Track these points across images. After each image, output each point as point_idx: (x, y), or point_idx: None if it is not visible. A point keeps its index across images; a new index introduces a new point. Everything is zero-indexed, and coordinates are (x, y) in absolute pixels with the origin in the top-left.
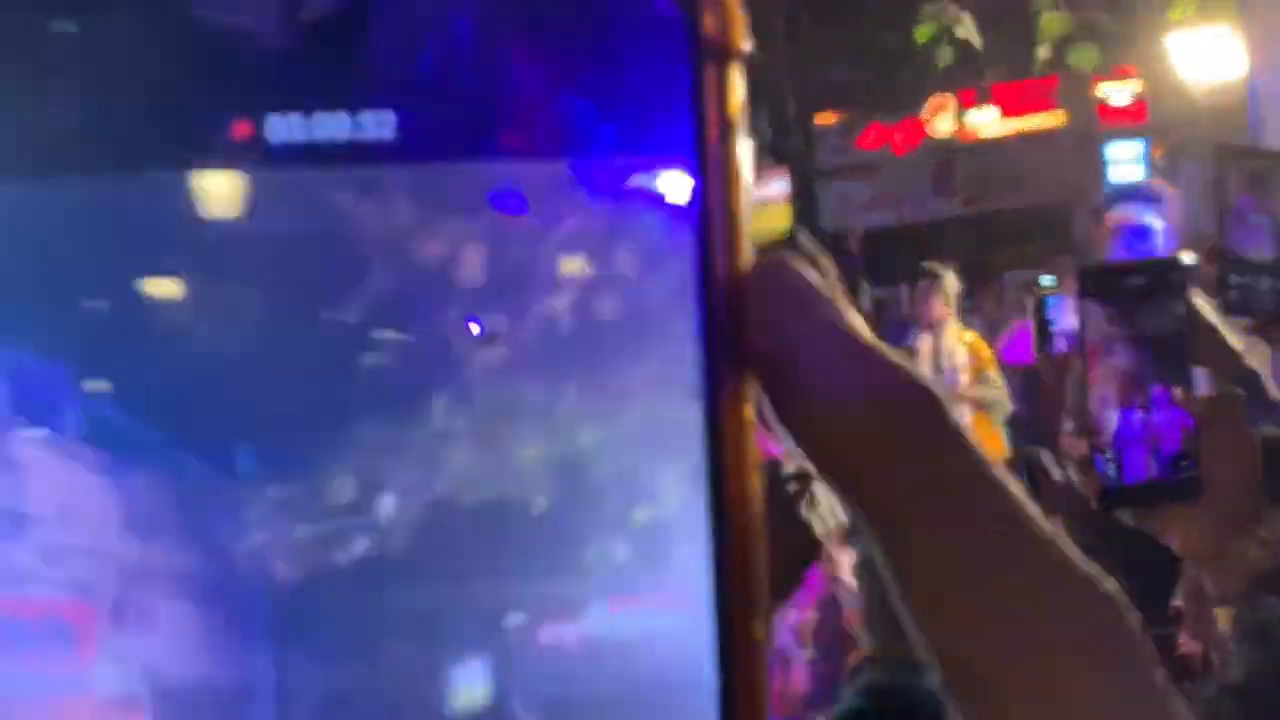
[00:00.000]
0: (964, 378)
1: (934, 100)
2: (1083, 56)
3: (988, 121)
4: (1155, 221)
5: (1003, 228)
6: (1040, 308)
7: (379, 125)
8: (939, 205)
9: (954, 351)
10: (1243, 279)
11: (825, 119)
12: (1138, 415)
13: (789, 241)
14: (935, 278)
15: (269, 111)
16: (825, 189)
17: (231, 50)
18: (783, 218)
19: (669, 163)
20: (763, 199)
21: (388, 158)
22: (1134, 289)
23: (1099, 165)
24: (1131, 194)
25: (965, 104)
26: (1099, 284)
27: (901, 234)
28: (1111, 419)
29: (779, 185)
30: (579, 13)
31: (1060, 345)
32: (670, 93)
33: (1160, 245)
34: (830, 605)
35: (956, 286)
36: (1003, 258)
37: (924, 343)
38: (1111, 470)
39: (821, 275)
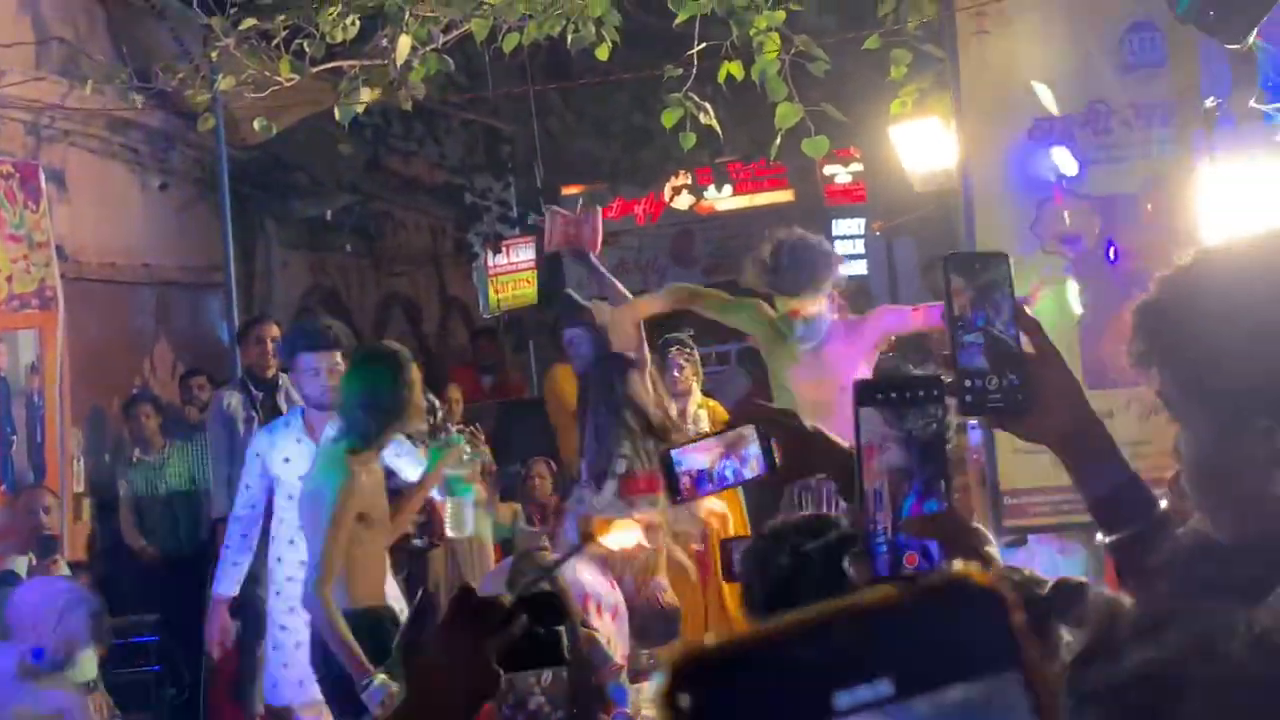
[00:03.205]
0: None
1: (674, 178)
2: (814, 146)
3: (723, 197)
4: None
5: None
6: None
7: (886, 687)
8: (680, 274)
9: (698, 417)
10: (973, 384)
11: (571, 190)
12: (911, 503)
13: (559, 301)
14: (689, 349)
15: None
16: (571, 258)
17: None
18: (530, 284)
19: None
20: (511, 266)
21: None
22: (902, 399)
23: (827, 239)
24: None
25: (702, 181)
26: (871, 395)
27: None
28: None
29: (526, 253)
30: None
31: None
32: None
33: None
34: (584, 665)
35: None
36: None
37: (671, 408)
38: (883, 559)
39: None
